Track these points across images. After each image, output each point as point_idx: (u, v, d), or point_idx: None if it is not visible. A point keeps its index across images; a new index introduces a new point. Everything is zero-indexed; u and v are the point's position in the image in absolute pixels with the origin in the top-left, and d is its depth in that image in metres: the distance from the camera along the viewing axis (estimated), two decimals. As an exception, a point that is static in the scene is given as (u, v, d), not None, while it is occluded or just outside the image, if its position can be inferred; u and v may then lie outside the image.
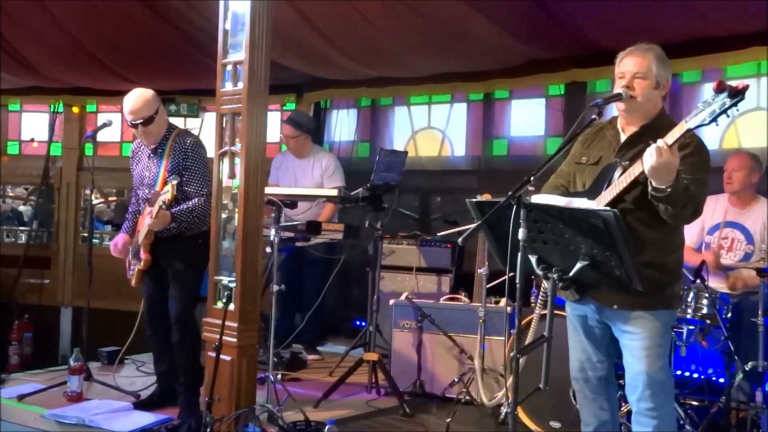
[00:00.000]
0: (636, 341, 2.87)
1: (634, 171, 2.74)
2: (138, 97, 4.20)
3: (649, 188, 2.67)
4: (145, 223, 4.15)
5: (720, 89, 2.49)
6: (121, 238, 4.43)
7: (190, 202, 4.14)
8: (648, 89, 2.87)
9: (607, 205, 2.80)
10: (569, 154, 3.14)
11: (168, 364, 4.40)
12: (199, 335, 4.17)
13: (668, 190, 2.62)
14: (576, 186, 3.05)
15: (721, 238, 4.51)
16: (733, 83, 2.50)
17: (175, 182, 3.96)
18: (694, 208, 2.75)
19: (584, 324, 3.04)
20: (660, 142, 2.57)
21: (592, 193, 2.89)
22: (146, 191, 4.31)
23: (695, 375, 4.42)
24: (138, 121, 4.17)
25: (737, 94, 2.46)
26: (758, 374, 3.86)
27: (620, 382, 3.13)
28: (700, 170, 2.80)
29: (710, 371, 4.33)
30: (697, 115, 2.54)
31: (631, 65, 2.88)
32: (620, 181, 2.80)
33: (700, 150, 2.85)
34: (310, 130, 6.12)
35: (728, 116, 2.50)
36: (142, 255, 4.22)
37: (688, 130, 2.57)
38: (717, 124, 2.52)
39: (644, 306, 2.84)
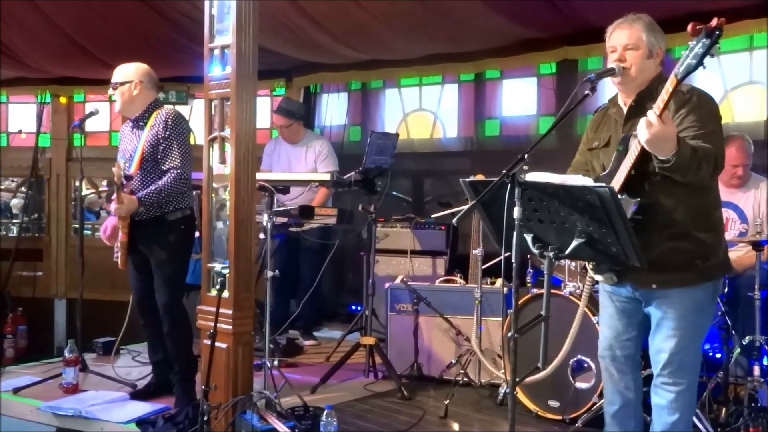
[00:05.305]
0: (666, 320, 2.82)
1: (638, 144, 2.65)
2: (125, 64, 4.31)
3: (655, 162, 2.61)
4: (111, 209, 4.11)
5: (696, 32, 2.42)
6: (109, 221, 4.36)
7: (159, 182, 4.04)
8: (641, 59, 2.82)
9: (629, 174, 2.72)
10: (582, 143, 3.10)
11: (163, 354, 4.37)
12: (190, 324, 4.15)
13: (673, 159, 2.55)
14: (596, 171, 2.98)
15: None
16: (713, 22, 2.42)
17: (121, 161, 4.03)
18: (712, 165, 2.65)
19: (619, 299, 2.97)
20: (649, 114, 2.53)
21: (615, 172, 2.80)
22: (126, 166, 4.25)
23: (692, 351, 4.41)
24: (112, 82, 4.26)
25: (714, 32, 2.38)
26: (756, 348, 3.86)
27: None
28: (709, 122, 2.72)
29: (708, 347, 4.32)
30: (684, 63, 2.47)
31: (621, 37, 2.84)
32: (630, 153, 2.72)
33: (704, 100, 2.77)
34: (302, 116, 6.08)
35: (712, 56, 2.41)
36: (120, 237, 4.14)
37: (680, 81, 2.49)
38: (704, 67, 2.43)
39: (683, 283, 2.77)
